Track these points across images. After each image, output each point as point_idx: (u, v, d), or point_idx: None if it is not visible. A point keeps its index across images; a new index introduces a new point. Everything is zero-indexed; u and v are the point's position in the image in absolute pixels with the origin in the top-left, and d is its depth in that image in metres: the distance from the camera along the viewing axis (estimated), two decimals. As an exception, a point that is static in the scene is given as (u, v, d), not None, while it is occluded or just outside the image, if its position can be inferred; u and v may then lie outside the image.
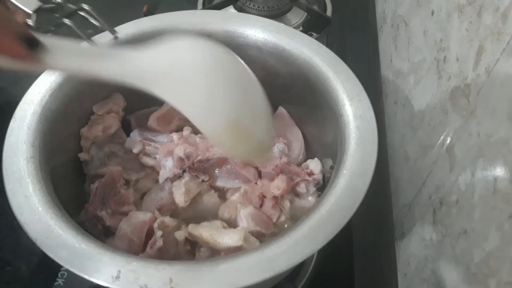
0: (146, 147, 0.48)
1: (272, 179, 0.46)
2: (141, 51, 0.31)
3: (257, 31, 0.45)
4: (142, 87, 0.31)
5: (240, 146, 0.34)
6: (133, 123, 0.51)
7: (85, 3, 0.43)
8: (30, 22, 0.40)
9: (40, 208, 0.33)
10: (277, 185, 0.44)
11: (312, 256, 0.51)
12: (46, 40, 0.26)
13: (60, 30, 0.42)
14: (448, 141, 0.43)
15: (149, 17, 0.47)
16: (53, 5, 0.42)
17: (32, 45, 0.25)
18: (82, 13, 0.42)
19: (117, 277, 0.29)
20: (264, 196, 0.45)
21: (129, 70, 0.30)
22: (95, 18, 0.42)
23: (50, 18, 0.43)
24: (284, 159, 0.46)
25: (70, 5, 0.42)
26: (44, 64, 0.26)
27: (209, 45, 0.33)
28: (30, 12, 0.40)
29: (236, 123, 0.32)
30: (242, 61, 0.34)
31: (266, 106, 0.35)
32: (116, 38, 0.44)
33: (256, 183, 0.46)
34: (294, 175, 0.45)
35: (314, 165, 0.46)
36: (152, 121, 0.49)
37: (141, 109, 0.51)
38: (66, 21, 0.41)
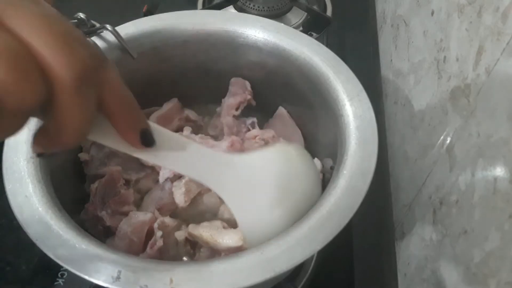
0: (147, 146, 0.48)
1: None
2: (229, 157, 0.33)
3: (257, 31, 0.45)
4: (215, 190, 0.33)
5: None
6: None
7: (86, 3, 0.43)
8: None
9: (40, 209, 0.33)
10: None
11: (312, 256, 0.51)
12: (155, 129, 0.28)
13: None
14: (448, 141, 0.43)
15: (149, 17, 0.47)
16: (76, 20, 0.42)
17: (147, 142, 0.27)
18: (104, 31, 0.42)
19: (118, 278, 0.29)
20: None
21: (215, 178, 0.32)
22: (117, 38, 0.42)
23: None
24: None
25: (93, 22, 0.43)
26: (147, 157, 0.28)
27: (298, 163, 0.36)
28: None
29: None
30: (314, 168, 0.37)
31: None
32: (134, 59, 0.44)
33: None
34: None
35: None
36: (152, 121, 0.49)
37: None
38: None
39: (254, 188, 0.34)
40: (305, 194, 0.35)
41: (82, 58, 0.20)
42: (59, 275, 0.49)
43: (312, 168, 0.37)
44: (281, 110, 0.51)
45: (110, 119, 0.25)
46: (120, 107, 0.24)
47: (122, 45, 0.43)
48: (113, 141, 0.26)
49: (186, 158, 0.30)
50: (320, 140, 0.48)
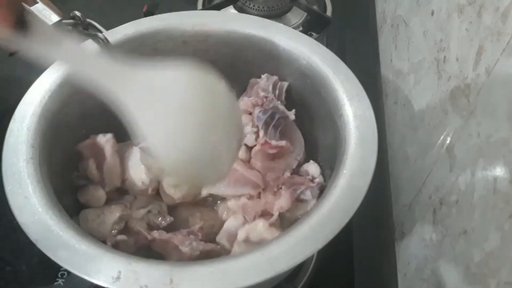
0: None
1: (274, 192, 0.44)
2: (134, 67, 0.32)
3: (257, 31, 0.45)
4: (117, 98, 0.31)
5: (185, 178, 0.35)
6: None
7: (87, 3, 0.43)
8: None
9: (40, 209, 0.33)
10: (282, 206, 0.42)
11: (312, 256, 0.51)
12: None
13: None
14: (448, 141, 0.43)
15: (148, 17, 0.47)
16: (73, 20, 0.42)
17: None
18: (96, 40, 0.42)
19: (118, 278, 0.29)
20: (266, 212, 0.43)
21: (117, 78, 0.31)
22: (108, 48, 0.42)
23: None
24: (288, 173, 0.44)
25: (89, 20, 0.42)
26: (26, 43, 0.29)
27: (200, 82, 0.33)
28: (49, 24, 0.41)
29: (189, 166, 0.31)
30: (230, 95, 0.34)
31: (234, 139, 0.34)
32: None
33: (259, 197, 0.44)
34: (298, 185, 0.43)
35: (313, 169, 0.45)
36: None
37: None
38: None
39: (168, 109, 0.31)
40: (224, 125, 0.33)
41: None
42: (59, 275, 0.49)
43: (227, 95, 0.34)
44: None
45: None
46: None
47: (114, 55, 0.43)
48: None
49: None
50: (320, 140, 0.48)
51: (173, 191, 0.43)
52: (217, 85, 0.33)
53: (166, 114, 0.31)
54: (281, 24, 0.46)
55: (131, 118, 0.30)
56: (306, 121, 0.50)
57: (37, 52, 0.30)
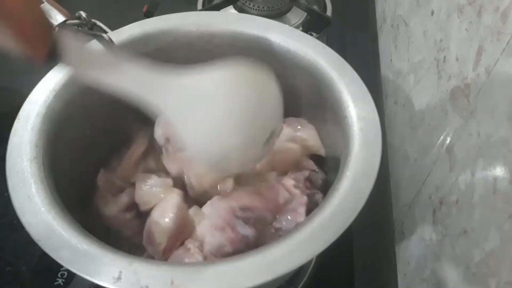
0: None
1: None
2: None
3: (262, 32, 0.45)
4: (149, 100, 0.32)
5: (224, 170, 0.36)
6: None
7: (87, 3, 0.43)
8: None
9: (42, 209, 0.33)
10: None
11: (312, 256, 0.51)
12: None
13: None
14: (448, 141, 0.43)
15: (153, 18, 0.47)
16: (78, 20, 0.42)
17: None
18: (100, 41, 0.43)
19: (119, 278, 0.29)
20: None
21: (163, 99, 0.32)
22: (113, 48, 0.42)
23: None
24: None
25: (94, 20, 0.43)
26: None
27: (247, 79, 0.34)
28: (55, 25, 0.41)
29: (229, 160, 0.34)
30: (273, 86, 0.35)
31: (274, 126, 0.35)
32: None
33: None
34: None
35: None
36: None
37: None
38: None
39: (210, 114, 0.33)
40: (266, 118, 0.35)
41: None
42: (59, 275, 0.49)
43: (271, 88, 0.36)
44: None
45: None
46: None
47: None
48: None
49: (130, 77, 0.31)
50: (324, 142, 0.48)
51: (202, 180, 0.44)
52: (265, 82, 0.35)
53: (210, 116, 0.32)
54: (286, 25, 0.46)
55: (173, 126, 0.32)
56: (311, 123, 0.50)
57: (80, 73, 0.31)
